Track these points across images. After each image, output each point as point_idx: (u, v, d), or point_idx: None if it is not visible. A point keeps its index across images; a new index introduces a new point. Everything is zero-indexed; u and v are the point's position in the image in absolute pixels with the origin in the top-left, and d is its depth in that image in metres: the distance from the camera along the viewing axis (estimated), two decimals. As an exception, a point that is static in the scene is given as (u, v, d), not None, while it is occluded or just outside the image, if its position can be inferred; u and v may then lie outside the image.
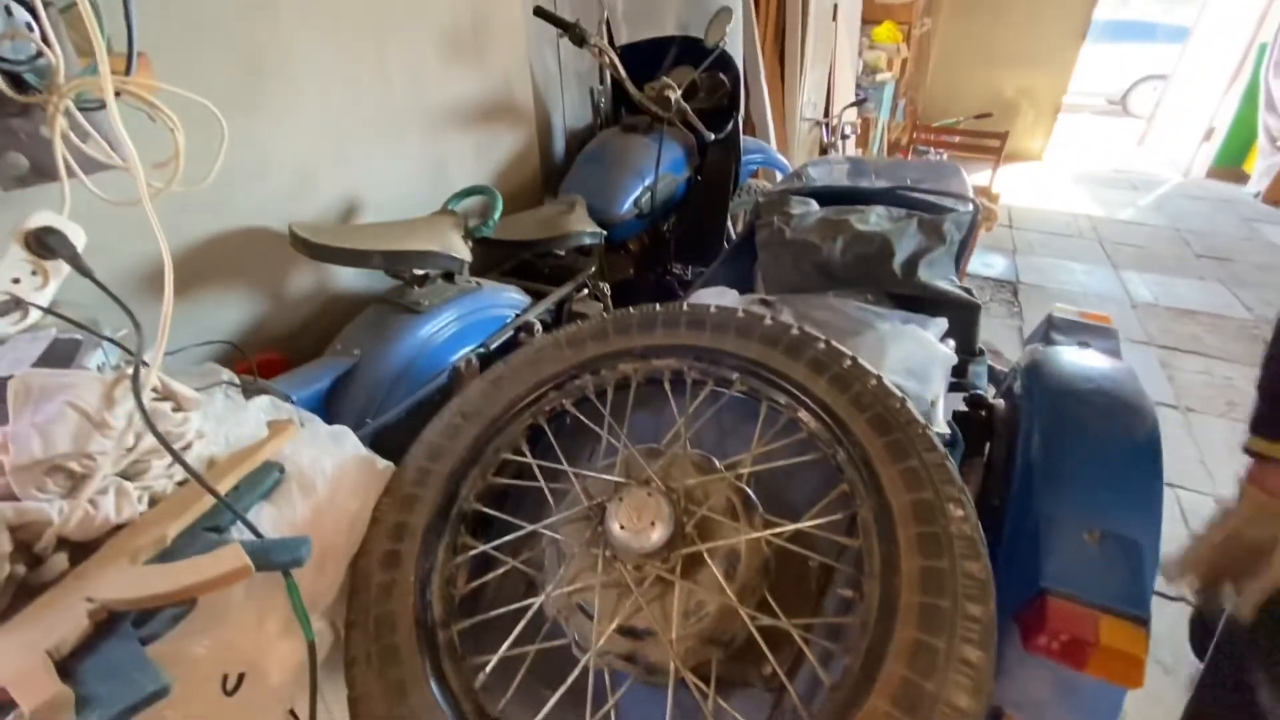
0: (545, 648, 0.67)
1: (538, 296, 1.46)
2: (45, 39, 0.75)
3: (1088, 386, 1.00)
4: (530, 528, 0.74)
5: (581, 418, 0.85)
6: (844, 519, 0.69)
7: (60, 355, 0.67)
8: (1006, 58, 6.28)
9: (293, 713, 0.63)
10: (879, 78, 5.06)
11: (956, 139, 3.93)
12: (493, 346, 1.29)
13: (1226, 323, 3.10)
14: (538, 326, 1.35)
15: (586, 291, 1.54)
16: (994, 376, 1.47)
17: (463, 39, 1.58)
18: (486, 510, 0.78)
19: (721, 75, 1.91)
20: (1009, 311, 3.15)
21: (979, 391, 1.26)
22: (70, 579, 0.54)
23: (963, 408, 1.26)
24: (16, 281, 0.71)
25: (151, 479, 0.64)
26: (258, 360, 1.22)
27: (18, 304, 0.71)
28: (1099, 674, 0.77)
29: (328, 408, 1.08)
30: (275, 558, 0.58)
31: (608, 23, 2.06)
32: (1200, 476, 2.10)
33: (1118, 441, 0.91)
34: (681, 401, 0.84)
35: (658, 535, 0.65)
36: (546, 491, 0.78)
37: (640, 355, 0.86)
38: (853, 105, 3.13)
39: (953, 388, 1.34)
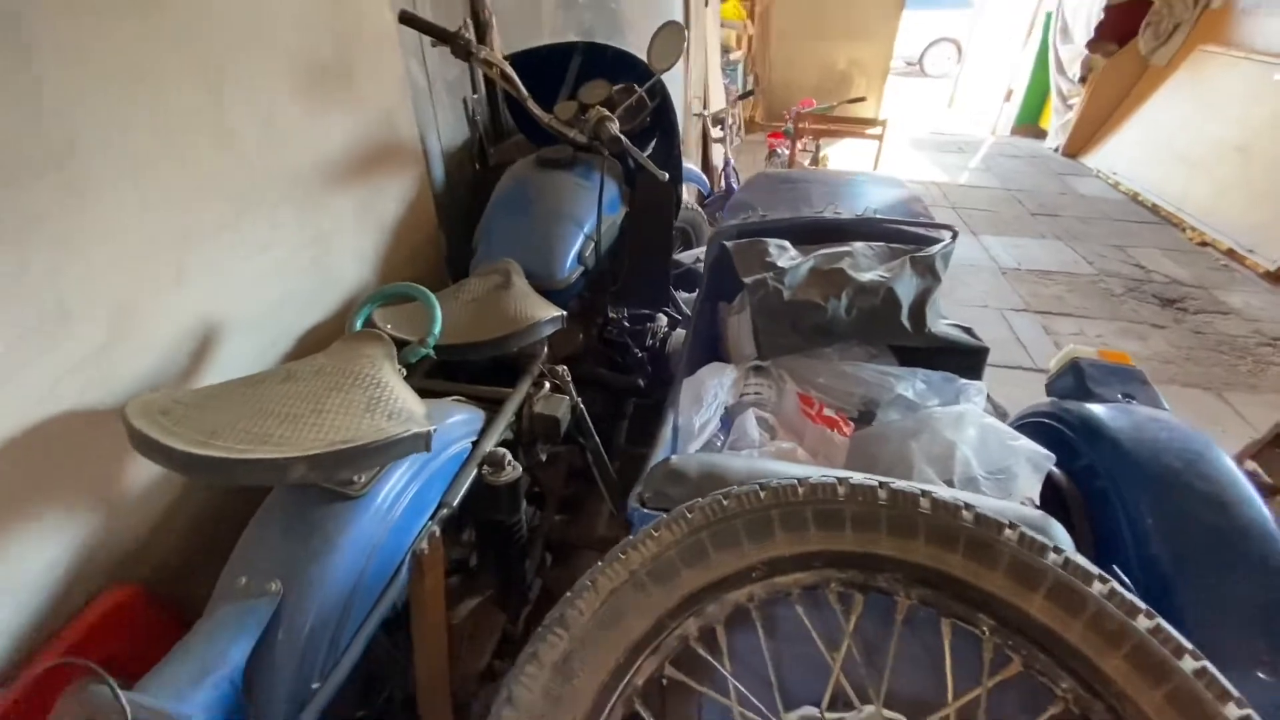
0: None
1: (484, 403, 1.13)
2: None
3: (1186, 469, 0.90)
4: None
5: (689, 681, 0.59)
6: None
7: None
8: (836, 31, 6.53)
9: None
10: (732, 56, 5.01)
11: (824, 125, 3.96)
12: (456, 502, 0.96)
13: (1078, 279, 3.42)
14: (507, 456, 1.03)
15: (548, 385, 1.22)
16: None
17: (325, 68, 1.16)
18: None
19: (635, 86, 1.63)
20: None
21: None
22: None
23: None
24: None
25: None
26: (105, 606, 0.80)
27: None
28: None
29: (249, 685, 0.70)
30: None
31: (494, 30, 1.70)
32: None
33: (1246, 541, 0.82)
34: (819, 624, 0.61)
35: None
36: None
37: (758, 576, 0.61)
38: (743, 97, 2.99)
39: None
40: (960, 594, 0.58)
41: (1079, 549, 0.94)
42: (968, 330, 1.31)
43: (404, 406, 0.78)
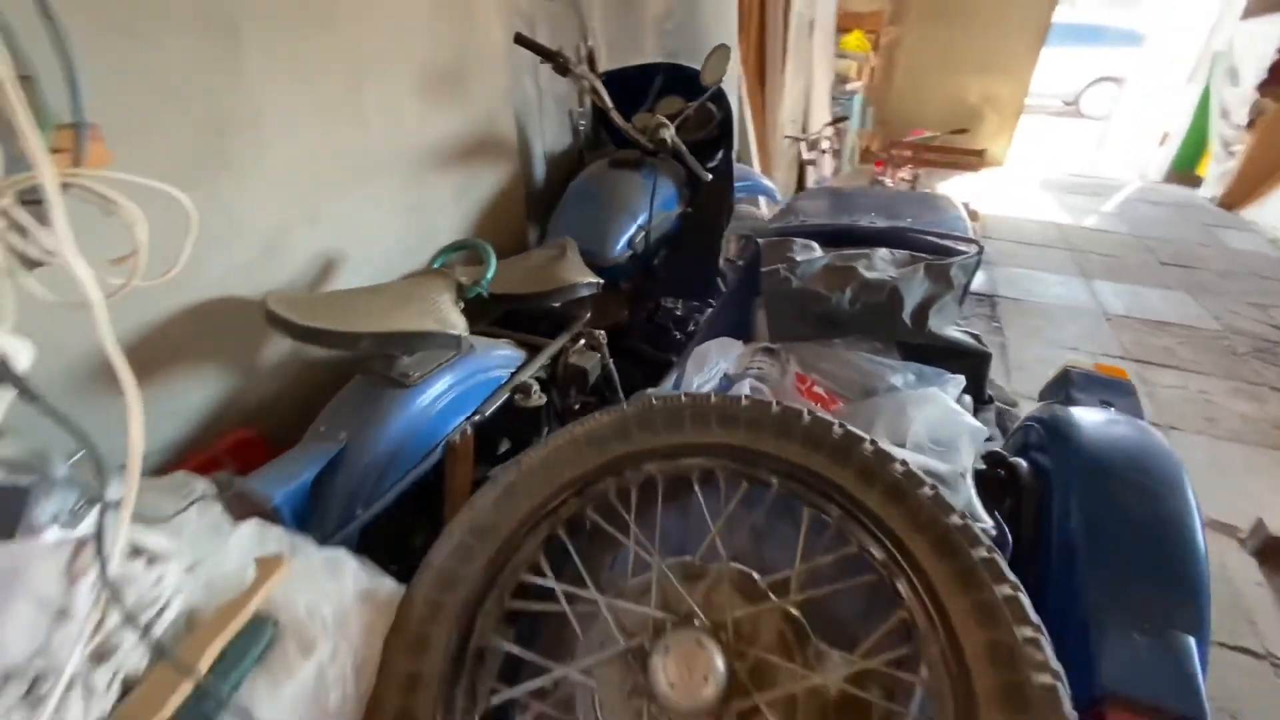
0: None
1: (529, 349, 1.38)
2: (-24, 127, 0.64)
3: (1125, 462, 0.96)
4: (559, 671, 0.66)
5: (605, 525, 0.78)
6: (910, 653, 0.63)
7: (5, 511, 0.57)
8: (969, 65, 6.38)
9: None
10: (849, 87, 5.08)
11: (929, 155, 3.95)
12: (488, 413, 1.20)
13: (1197, 334, 3.17)
14: (535, 387, 1.27)
15: (583, 342, 1.45)
16: (1000, 421, 1.44)
17: (444, 75, 1.48)
18: (507, 647, 0.71)
19: (711, 106, 1.85)
20: (989, 326, 3.17)
21: (997, 449, 1.22)
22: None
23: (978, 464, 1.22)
24: (-53, 417, 0.61)
25: (122, 656, 0.54)
26: (232, 440, 1.11)
27: (-50, 445, 0.60)
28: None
29: (314, 500, 0.98)
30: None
31: (591, 51, 1.98)
32: (1188, 498, 2.12)
33: (1162, 527, 0.88)
34: (714, 504, 0.78)
35: (711, 691, 0.58)
36: (574, 621, 0.70)
37: (667, 455, 0.79)
38: (835, 123, 3.11)
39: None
40: (819, 487, 0.73)
41: (1021, 534, 1.03)
42: (975, 336, 1.38)
43: (447, 317, 1.04)
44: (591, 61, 2.07)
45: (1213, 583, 1.80)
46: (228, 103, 1.02)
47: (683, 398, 0.81)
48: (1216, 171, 5.45)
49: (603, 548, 0.82)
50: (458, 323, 1.06)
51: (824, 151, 3.25)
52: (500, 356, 1.29)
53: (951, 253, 1.49)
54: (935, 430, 1.05)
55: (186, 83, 0.95)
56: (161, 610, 0.57)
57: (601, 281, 1.42)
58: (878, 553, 0.67)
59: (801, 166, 3.47)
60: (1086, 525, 0.90)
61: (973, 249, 1.48)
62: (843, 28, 5.31)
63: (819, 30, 3.40)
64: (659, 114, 1.72)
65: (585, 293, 1.40)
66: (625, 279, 1.74)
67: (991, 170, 6.53)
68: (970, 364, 1.36)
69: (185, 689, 0.53)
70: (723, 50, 1.55)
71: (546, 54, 1.67)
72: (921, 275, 1.38)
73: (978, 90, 6.51)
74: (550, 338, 1.44)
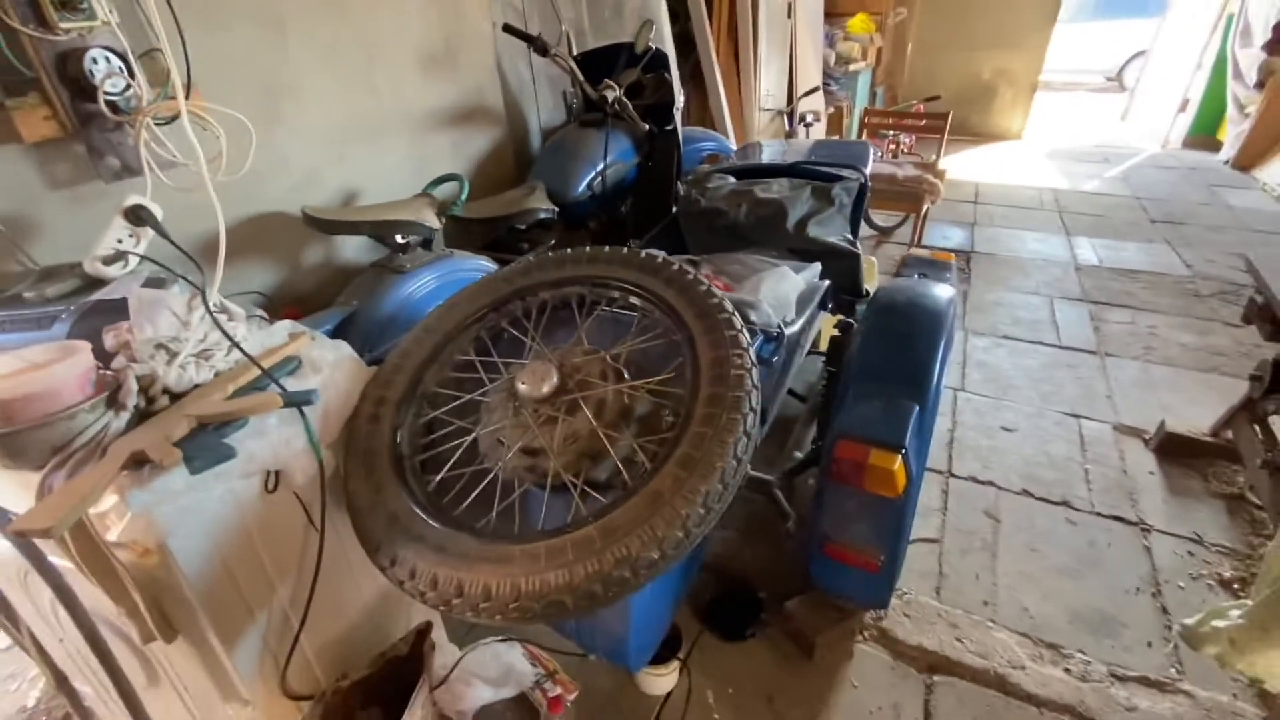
0: (478, 469, 1.00)
1: (502, 264, 1.80)
2: (132, 76, 1.10)
3: (902, 303, 1.31)
4: (467, 397, 1.07)
5: (514, 331, 1.18)
6: (676, 376, 1.01)
7: (153, 286, 1.02)
8: (982, 41, 6.50)
9: (305, 510, 0.97)
10: (852, 67, 5.32)
11: (923, 121, 4.18)
12: (464, 301, 1.62)
13: (1164, 280, 3.34)
14: (501, 285, 1.68)
15: (545, 259, 1.86)
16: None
17: (437, 56, 1.92)
18: (442, 390, 1.12)
19: (666, 74, 2.24)
20: (959, 278, 3.42)
21: (849, 320, 1.56)
22: (174, 409, 0.88)
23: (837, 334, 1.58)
24: (120, 241, 1.07)
25: (216, 361, 0.98)
26: (285, 314, 1.57)
27: (122, 256, 1.06)
28: (871, 488, 1.08)
29: (335, 345, 1.42)
30: (294, 398, 0.91)
31: (568, 35, 2.39)
32: (1105, 409, 2.37)
33: (912, 339, 1.23)
34: (583, 318, 1.17)
35: (546, 388, 0.98)
36: (484, 377, 1.11)
37: (554, 285, 1.19)
38: (808, 94, 3.42)
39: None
40: (644, 294, 1.11)
41: (841, 371, 1.37)
42: (851, 242, 1.72)
43: (425, 218, 1.47)
44: (570, 46, 2.48)
45: (1110, 472, 2.08)
46: (279, 75, 1.47)
47: (569, 250, 1.20)
48: (1233, 133, 5.43)
49: (518, 350, 1.22)
50: (432, 221, 1.49)
51: (808, 125, 3.56)
52: (477, 264, 1.71)
53: (841, 180, 1.84)
54: (775, 292, 1.41)
55: (250, 61, 1.41)
56: (240, 342, 1.01)
57: (556, 209, 1.83)
58: (670, 322, 1.05)
59: (787, 138, 3.79)
60: (864, 344, 1.26)
61: (856, 175, 1.82)
62: (847, 11, 5.57)
63: (802, 12, 3.71)
64: (622, 84, 2.12)
65: (543, 215, 1.81)
66: (591, 217, 2.14)
67: (1009, 144, 6.64)
68: (845, 263, 1.71)
69: (252, 374, 0.96)
70: (647, 24, 1.94)
71: (527, 38, 2.08)
72: (807, 194, 1.74)
73: (991, 66, 6.62)
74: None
